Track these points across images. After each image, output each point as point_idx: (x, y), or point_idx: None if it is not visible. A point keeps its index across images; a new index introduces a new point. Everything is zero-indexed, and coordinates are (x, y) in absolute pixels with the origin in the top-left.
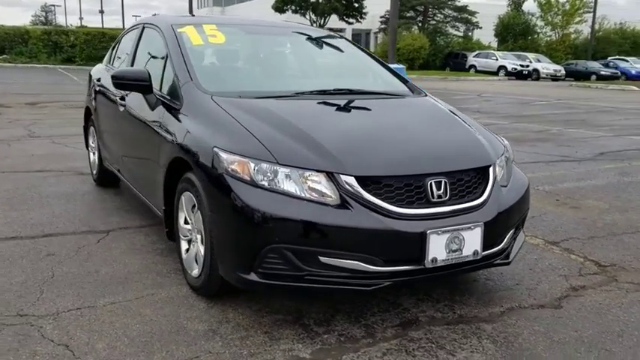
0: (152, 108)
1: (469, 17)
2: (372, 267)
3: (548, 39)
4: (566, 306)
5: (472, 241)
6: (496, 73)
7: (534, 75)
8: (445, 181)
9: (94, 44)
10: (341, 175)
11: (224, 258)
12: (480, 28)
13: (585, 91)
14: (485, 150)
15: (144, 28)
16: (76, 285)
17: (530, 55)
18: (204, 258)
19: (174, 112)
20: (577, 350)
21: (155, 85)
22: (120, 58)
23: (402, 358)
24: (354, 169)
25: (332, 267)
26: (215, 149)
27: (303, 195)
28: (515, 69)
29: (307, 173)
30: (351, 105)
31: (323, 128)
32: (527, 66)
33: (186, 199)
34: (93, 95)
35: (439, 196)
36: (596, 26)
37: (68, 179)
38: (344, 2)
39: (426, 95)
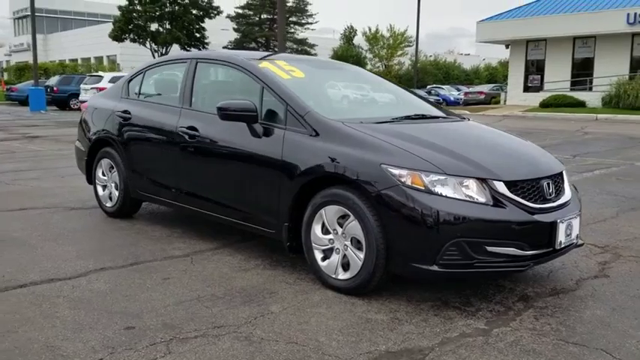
0: (258, 136)
1: (308, 49)
2: (522, 252)
3: (377, 70)
4: (612, 275)
5: (576, 227)
6: None
7: None
8: (550, 182)
9: None
10: (494, 181)
11: (400, 256)
12: None
13: None
14: (554, 158)
15: (197, 63)
16: (230, 299)
17: (367, 86)
18: (365, 260)
19: (302, 137)
20: None
21: None
22: (154, 91)
23: (554, 319)
24: (503, 175)
25: (495, 254)
26: (383, 166)
27: (464, 198)
28: (357, 98)
29: (465, 180)
30: (447, 126)
31: (455, 143)
32: (367, 95)
33: (330, 212)
34: (116, 127)
35: (550, 194)
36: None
37: (70, 215)
38: (185, 32)
39: (465, 118)
